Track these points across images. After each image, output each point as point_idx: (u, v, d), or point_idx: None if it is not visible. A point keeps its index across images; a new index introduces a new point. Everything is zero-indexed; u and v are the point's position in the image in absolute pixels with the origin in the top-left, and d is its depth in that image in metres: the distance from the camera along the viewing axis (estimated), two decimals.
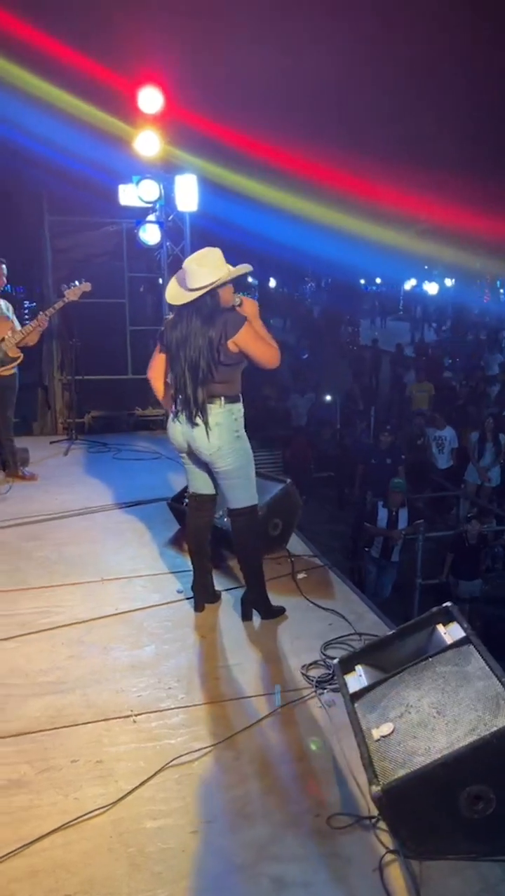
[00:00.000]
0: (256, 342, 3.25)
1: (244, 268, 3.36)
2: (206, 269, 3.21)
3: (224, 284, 3.26)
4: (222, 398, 3.28)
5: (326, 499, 10.84)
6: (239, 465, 3.35)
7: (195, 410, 3.27)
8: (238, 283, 3.46)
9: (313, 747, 2.45)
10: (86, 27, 7.06)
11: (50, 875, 2.04)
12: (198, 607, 3.64)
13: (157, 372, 3.56)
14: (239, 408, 3.35)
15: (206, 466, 3.45)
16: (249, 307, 3.34)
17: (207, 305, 3.24)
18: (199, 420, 3.27)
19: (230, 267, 3.30)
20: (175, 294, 3.32)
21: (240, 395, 3.38)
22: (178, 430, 3.39)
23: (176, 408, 3.38)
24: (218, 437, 3.27)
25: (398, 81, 10.54)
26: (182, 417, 3.34)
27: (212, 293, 3.23)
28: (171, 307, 3.39)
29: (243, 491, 3.41)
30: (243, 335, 3.21)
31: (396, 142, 11.53)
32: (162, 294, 7.81)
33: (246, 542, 3.49)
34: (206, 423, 3.26)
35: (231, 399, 3.32)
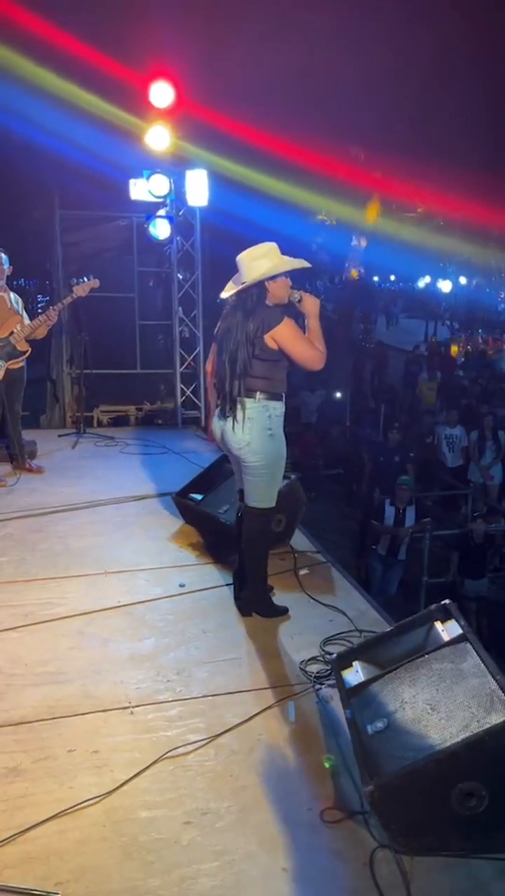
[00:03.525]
0: (295, 341, 3.19)
1: (297, 262, 3.26)
2: (256, 262, 3.17)
3: (274, 278, 3.19)
4: (259, 393, 3.24)
5: (334, 496, 10.83)
6: (266, 464, 3.30)
7: (230, 403, 3.27)
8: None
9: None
10: (96, 21, 7.07)
11: (43, 862, 2.06)
12: (237, 595, 3.65)
13: (213, 366, 3.50)
14: (277, 406, 3.29)
15: (239, 463, 3.41)
16: (310, 305, 3.28)
17: (251, 299, 3.20)
18: (232, 412, 3.26)
19: (286, 260, 3.23)
20: (227, 288, 3.32)
21: (283, 394, 3.32)
22: (215, 422, 3.40)
23: (218, 401, 3.38)
24: (248, 431, 3.24)
25: (412, 76, 10.47)
26: (220, 410, 3.35)
27: (259, 286, 3.19)
28: (225, 302, 3.36)
29: (264, 491, 3.38)
30: (281, 331, 3.16)
31: (410, 137, 11.46)
32: (171, 289, 7.89)
33: (254, 540, 3.48)
34: (235, 417, 3.25)
35: (270, 396, 3.26)
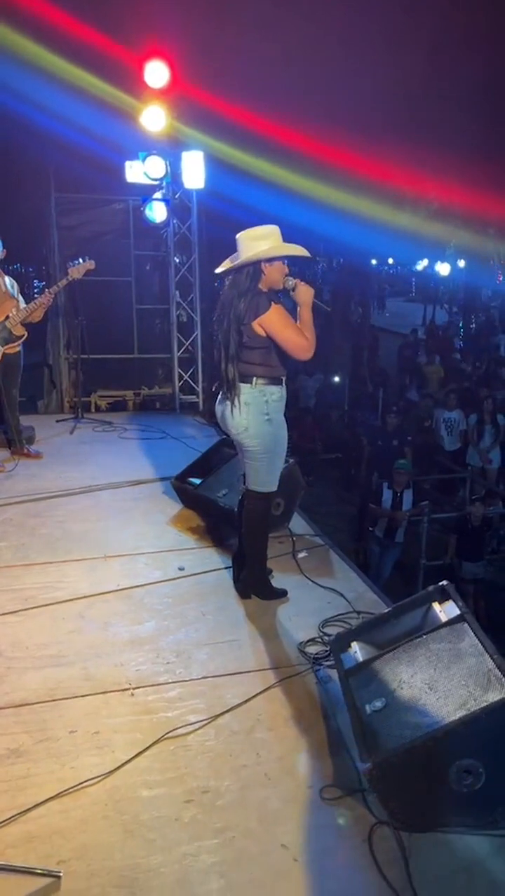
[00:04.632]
0: (283, 328, 3.16)
1: (297, 249, 3.21)
2: (255, 242, 3.13)
3: (270, 261, 3.15)
4: (255, 378, 3.22)
5: (333, 480, 10.85)
6: (265, 449, 3.30)
7: (227, 387, 3.26)
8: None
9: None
10: None
11: (45, 841, 2.08)
12: (236, 578, 3.66)
13: None
14: (274, 391, 3.26)
15: (240, 447, 3.42)
16: (304, 293, 3.23)
17: (245, 280, 3.16)
18: (230, 397, 3.26)
19: (286, 245, 3.18)
20: (223, 264, 3.28)
21: (281, 378, 3.30)
22: (217, 405, 3.40)
23: (217, 383, 3.38)
24: (245, 416, 3.24)
25: (410, 60, 10.34)
26: (220, 394, 3.35)
27: (254, 268, 3.15)
28: (222, 281, 3.31)
29: (264, 475, 3.38)
30: (269, 317, 3.13)
31: (408, 122, 11.36)
32: (168, 272, 7.85)
33: (254, 524, 3.49)
34: (231, 402, 3.25)
35: (269, 381, 3.24)
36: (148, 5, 7.14)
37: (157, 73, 6.63)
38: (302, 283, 3.27)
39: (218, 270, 3.30)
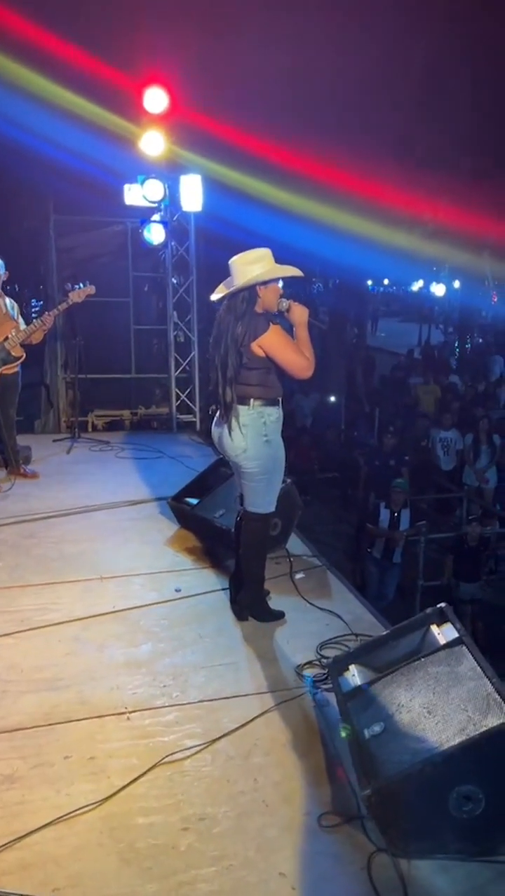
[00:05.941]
0: (283, 349, 3.19)
1: (289, 270, 3.27)
2: (248, 266, 3.16)
3: (266, 284, 3.18)
4: (252, 400, 3.23)
5: (330, 500, 10.84)
6: (263, 470, 3.31)
7: (224, 410, 3.28)
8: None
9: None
10: (91, 26, 7.09)
11: (40, 869, 2.06)
12: (233, 599, 3.65)
13: None
14: (272, 412, 3.28)
15: (238, 469, 3.42)
16: (298, 314, 3.27)
17: (240, 304, 3.19)
18: (227, 420, 3.27)
19: (279, 267, 3.23)
20: (217, 290, 3.32)
21: (278, 399, 3.32)
22: (213, 427, 3.42)
23: (213, 406, 3.41)
24: (244, 438, 3.24)
25: (405, 83, 10.54)
26: (217, 416, 3.37)
27: (250, 292, 3.19)
28: (218, 305, 3.35)
29: (262, 496, 3.38)
30: (268, 338, 3.16)
31: (404, 144, 11.54)
32: (166, 293, 7.90)
33: (252, 546, 3.48)
34: (229, 424, 3.26)
35: (266, 402, 3.25)
36: (147, 33, 7.27)
37: (156, 99, 6.73)
38: (296, 303, 3.31)
39: (213, 297, 3.33)
